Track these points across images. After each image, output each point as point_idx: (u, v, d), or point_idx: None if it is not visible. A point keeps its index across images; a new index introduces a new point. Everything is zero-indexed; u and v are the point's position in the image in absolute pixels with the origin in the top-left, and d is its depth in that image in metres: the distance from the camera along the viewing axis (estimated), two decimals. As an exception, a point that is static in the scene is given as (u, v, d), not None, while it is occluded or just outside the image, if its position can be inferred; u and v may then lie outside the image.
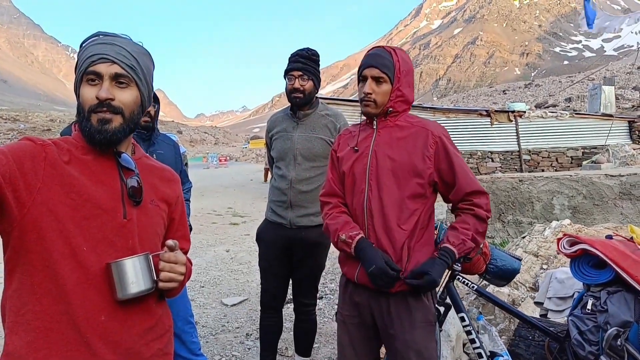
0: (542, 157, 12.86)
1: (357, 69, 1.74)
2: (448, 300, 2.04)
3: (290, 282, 2.66)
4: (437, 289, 1.84)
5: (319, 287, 2.76)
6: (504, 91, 58.77)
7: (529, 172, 11.69)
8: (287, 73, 2.46)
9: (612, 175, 5.28)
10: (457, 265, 1.92)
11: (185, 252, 1.28)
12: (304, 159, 2.45)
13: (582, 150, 12.80)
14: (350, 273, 1.72)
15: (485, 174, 11.98)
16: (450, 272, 1.99)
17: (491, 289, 2.88)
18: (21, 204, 0.97)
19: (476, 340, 1.92)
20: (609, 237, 1.98)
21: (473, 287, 2.14)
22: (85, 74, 1.06)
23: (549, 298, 2.62)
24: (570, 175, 5.54)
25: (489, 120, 12.76)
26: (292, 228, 2.47)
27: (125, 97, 1.08)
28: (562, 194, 5.40)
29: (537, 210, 5.50)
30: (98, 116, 1.05)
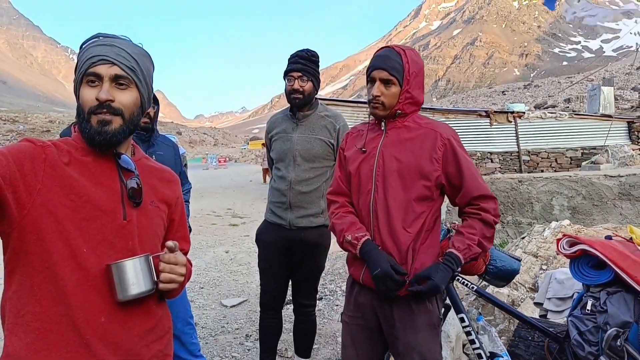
0: (542, 158, 12.86)
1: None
2: (448, 301, 2.04)
3: (290, 283, 2.66)
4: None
5: (318, 288, 2.76)
6: (503, 92, 58.81)
7: (528, 172, 11.70)
8: (286, 74, 2.46)
9: (611, 176, 5.29)
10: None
11: (185, 253, 1.28)
12: (304, 160, 2.45)
13: (582, 151, 12.81)
14: (356, 274, 1.71)
15: (485, 174, 11.98)
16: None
17: (491, 289, 2.88)
18: (21, 205, 0.97)
19: (476, 340, 1.92)
20: (609, 237, 1.98)
21: (473, 287, 2.14)
22: (85, 76, 1.06)
23: (549, 299, 2.62)
24: (570, 176, 5.55)
25: (488, 121, 12.77)
26: (291, 229, 2.47)
27: (125, 98, 1.08)
28: (561, 195, 5.40)
29: (536, 210, 5.51)
30: (98, 117, 1.05)
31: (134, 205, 1.11)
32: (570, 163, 12.78)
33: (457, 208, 1.72)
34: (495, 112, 13.06)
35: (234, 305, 4.29)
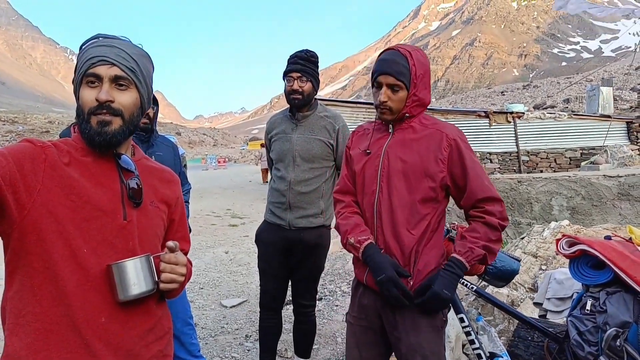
0: (541, 158, 12.87)
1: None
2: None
3: (290, 283, 2.67)
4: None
5: (318, 289, 2.76)
6: (502, 92, 58.90)
7: (527, 173, 11.71)
8: (286, 75, 2.46)
9: (611, 176, 5.30)
10: None
11: (185, 253, 1.28)
12: (303, 160, 2.46)
13: (581, 151, 12.82)
14: (360, 275, 1.70)
15: (484, 175, 11.98)
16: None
17: (490, 289, 2.88)
18: (21, 205, 0.97)
19: (475, 341, 1.92)
20: (608, 237, 1.98)
21: (472, 288, 2.14)
22: (85, 76, 1.06)
23: (548, 299, 2.62)
24: (569, 176, 5.56)
25: (488, 121, 12.77)
26: (291, 229, 2.47)
27: (125, 99, 1.08)
28: (560, 195, 5.41)
29: (535, 211, 5.52)
30: (98, 118, 1.05)
31: (134, 205, 1.11)
32: (570, 163, 12.79)
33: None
34: (494, 112, 13.06)
35: (233, 306, 4.29)
